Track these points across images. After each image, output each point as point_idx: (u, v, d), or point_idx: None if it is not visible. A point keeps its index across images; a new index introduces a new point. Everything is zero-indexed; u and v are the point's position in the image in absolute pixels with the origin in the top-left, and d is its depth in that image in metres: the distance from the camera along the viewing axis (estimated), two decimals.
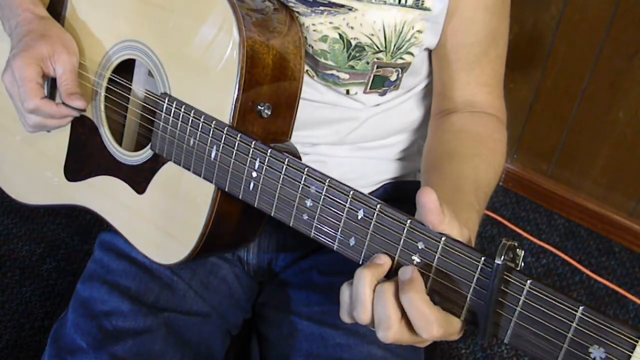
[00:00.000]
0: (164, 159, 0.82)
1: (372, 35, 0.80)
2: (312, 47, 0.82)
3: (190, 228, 0.80)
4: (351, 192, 0.64)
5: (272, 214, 0.71)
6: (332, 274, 0.93)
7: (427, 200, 0.58)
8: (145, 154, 0.85)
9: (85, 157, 0.93)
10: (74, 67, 0.87)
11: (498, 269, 0.54)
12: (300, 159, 0.75)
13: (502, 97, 0.91)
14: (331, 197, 0.65)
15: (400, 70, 0.85)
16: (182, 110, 0.78)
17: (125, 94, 0.90)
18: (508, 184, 2.11)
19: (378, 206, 0.62)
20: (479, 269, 0.57)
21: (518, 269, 0.56)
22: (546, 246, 1.93)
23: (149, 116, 0.85)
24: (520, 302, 0.55)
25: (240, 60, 0.73)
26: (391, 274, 0.61)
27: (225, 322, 0.96)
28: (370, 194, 0.75)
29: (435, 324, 0.57)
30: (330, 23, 0.80)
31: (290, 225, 0.70)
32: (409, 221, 0.60)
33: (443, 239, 0.58)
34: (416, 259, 0.60)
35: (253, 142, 0.72)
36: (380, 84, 0.86)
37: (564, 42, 1.83)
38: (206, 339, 0.93)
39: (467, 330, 0.61)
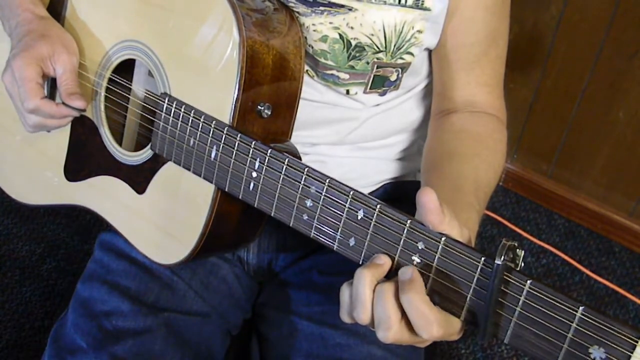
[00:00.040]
0: (164, 159, 0.82)
1: (372, 35, 0.80)
2: (312, 47, 0.82)
3: (190, 228, 0.80)
4: (351, 192, 0.64)
5: (272, 214, 0.71)
6: (332, 274, 0.93)
7: (427, 200, 0.58)
8: (145, 154, 0.85)
9: (85, 157, 0.93)
10: (74, 67, 0.87)
11: (498, 269, 0.54)
12: (300, 159, 0.75)
13: (502, 97, 0.91)
14: (331, 197, 0.65)
15: (400, 70, 0.85)
16: (182, 110, 0.78)
17: (125, 94, 0.90)
18: (508, 184, 2.11)
19: (378, 206, 0.62)
20: (479, 269, 0.57)
21: (518, 269, 0.56)
22: (546, 246, 1.93)
23: (149, 116, 0.85)
24: (520, 302, 0.55)
25: (240, 60, 0.73)
26: (391, 274, 0.61)
27: (225, 322, 0.96)
28: (370, 194, 0.75)
29: (435, 324, 0.57)
30: (330, 23, 0.80)
31: (290, 225, 0.70)
32: (409, 221, 0.60)
33: (443, 239, 0.58)
34: (416, 259, 0.60)
35: (253, 142, 0.72)
36: (380, 84, 0.86)
37: (564, 42, 1.83)
38: (206, 339, 0.93)
39: (467, 330, 0.61)
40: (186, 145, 0.78)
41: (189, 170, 0.79)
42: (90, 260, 0.97)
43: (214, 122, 0.75)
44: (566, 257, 1.89)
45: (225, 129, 0.74)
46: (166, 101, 0.79)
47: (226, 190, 0.76)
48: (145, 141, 0.86)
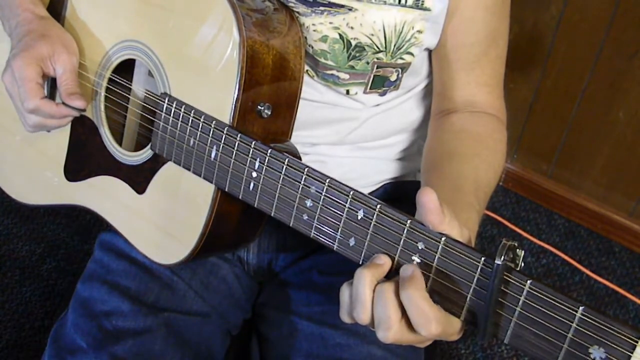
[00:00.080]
0: (164, 159, 0.82)
1: (372, 35, 0.80)
2: (312, 47, 0.82)
3: (190, 228, 0.80)
4: (351, 192, 0.64)
5: (272, 214, 0.71)
6: (332, 274, 0.93)
7: (427, 200, 0.58)
8: (145, 154, 0.85)
9: (85, 157, 0.93)
10: (74, 67, 0.87)
11: (498, 269, 0.54)
12: (300, 159, 0.75)
13: (502, 97, 0.91)
14: (331, 197, 0.65)
15: (400, 70, 0.85)
16: (182, 110, 0.78)
17: (125, 94, 0.90)
18: (508, 184, 2.11)
19: (378, 206, 0.62)
20: (479, 269, 0.57)
21: (518, 269, 0.56)
22: (546, 246, 1.93)
23: (149, 116, 0.85)
24: (520, 302, 0.55)
25: (240, 60, 0.73)
26: (391, 274, 0.61)
27: (225, 322, 0.96)
28: (370, 194, 0.75)
29: (434, 322, 0.57)
30: (330, 23, 0.80)
31: (290, 225, 0.70)
32: (409, 221, 0.60)
33: (443, 239, 0.58)
34: (416, 259, 0.60)
35: (253, 142, 0.72)
36: (380, 84, 0.86)
37: (564, 42, 1.83)
38: (206, 339, 0.93)
39: (467, 330, 0.61)
40: (186, 145, 0.78)
41: (189, 170, 0.79)
42: (90, 260, 0.97)
43: (214, 122, 0.75)
44: (566, 257, 1.89)
45: (225, 129, 0.74)
46: (166, 101, 0.79)
47: (226, 190, 0.76)
48: (145, 141, 0.86)
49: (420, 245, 0.60)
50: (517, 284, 0.55)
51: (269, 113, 0.76)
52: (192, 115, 0.77)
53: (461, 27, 0.83)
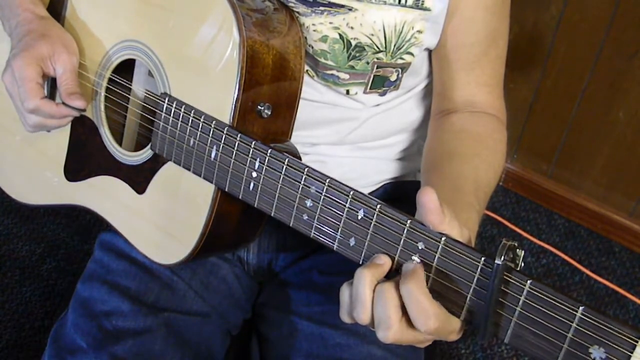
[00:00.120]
0: (164, 159, 0.82)
1: (372, 35, 0.80)
2: (312, 47, 0.82)
3: (190, 228, 0.80)
4: (351, 192, 0.64)
5: (272, 214, 0.71)
6: (332, 274, 0.93)
7: (428, 200, 0.58)
8: (145, 154, 0.85)
9: (85, 157, 0.93)
10: (74, 67, 0.87)
11: (498, 269, 0.54)
12: (300, 159, 0.75)
13: (502, 97, 0.91)
14: (331, 197, 0.65)
15: (400, 70, 0.85)
16: (182, 110, 0.78)
17: (125, 94, 0.90)
18: (508, 184, 2.11)
19: (378, 206, 0.62)
20: (479, 269, 0.57)
21: (518, 269, 0.56)
22: (546, 246, 1.93)
23: (149, 116, 0.85)
24: (520, 302, 0.55)
25: (240, 60, 0.73)
26: (391, 274, 0.61)
27: (225, 322, 0.96)
28: (370, 194, 0.75)
29: (432, 317, 0.57)
30: (330, 23, 0.80)
31: (290, 225, 0.70)
32: (409, 221, 0.60)
33: (443, 239, 0.58)
34: (416, 259, 0.60)
35: (253, 142, 0.72)
36: (380, 84, 0.86)
37: (564, 42, 1.83)
38: (206, 339, 0.93)
39: (467, 330, 0.61)
40: (186, 145, 0.78)
41: (189, 170, 0.79)
42: (90, 260, 0.97)
43: (214, 122, 0.75)
44: (566, 257, 1.89)
45: (225, 129, 0.74)
46: (166, 101, 0.79)
47: (226, 190, 0.76)
48: (145, 141, 0.86)
49: (420, 245, 0.60)
50: (517, 284, 0.55)
51: (269, 113, 0.76)
52: (192, 115, 0.77)
53: (461, 27, 0.83)
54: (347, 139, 0.91)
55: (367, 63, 0.83)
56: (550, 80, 1.90)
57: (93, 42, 0.90)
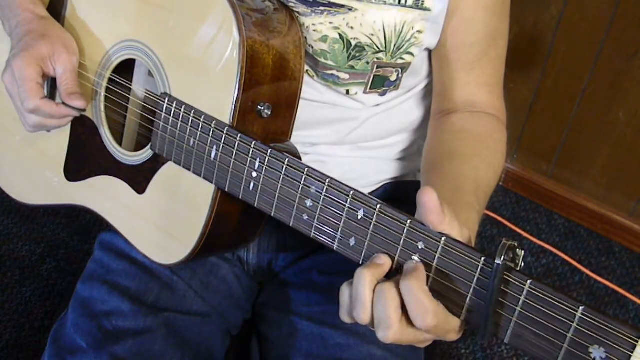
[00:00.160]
0: (164, 159, 0.82)
1: (372, 35, 0.80)
2: (312, 47, 0.82)
3: (191, 228, 0.80)
4: (351, 192, 0.64)
5: (272, 214, 0.71)
6: (332, 274, 0.93)
7: (428, 199, 0.58)
8: (145, 154, 0.85)
9: (85, 157, 0.93)
10: (74, 67, 0.87)
11: (498, 269, 0.54)
12: (300, 159, 0.75)
13: (502, 97, 0.91)
14: (331, 197, 0.65)
15: (400, 70, 0.85)
16: (182, 110, 0.78)
17: (125, 94, 0.90)
18: (508, 184, 2.11)
19: (378, 206, 0.62)
20: (479, 269, 0.57)
21: (518, 269, 0.56)
22: (546, 246, 1.93)
23: (149, 116, 0.85)
24: (520, 302, 0.55)
25: (240, 60, 0.73)
26: (391, 274, 0.61)
27: (225, 322, 0.96)
28: (370, 194, 0.75)
29: (431, 314, 0.57)
30: (330, 23, 0.80)
31: (290, 225, 0.70)
32: (409, 221, 0.60)
33: (443, 239, 0.58)
34: (416, 259, 0.60)
35: (253, 142, 0.72)
36: (380, 84, 0.86)
37: (564, 42, 1.83)
38: (206, 339, 0.93)
39: (467, 330, 0.61)
40: (186, 145, 0.78)
41: (189, 170, 0.79)
42: (90, 260, 0.97)
43: (214, 122, 0.75)
44: (566, 257, 1.89)
45: (225, 129, 0.74)
46: (166, 101, 0.79)
47: (226, 190, 0.76)
48: (145, 141, 0.86)
49: (421, 245, 0.60)
50: (517, 283, 0.55)
51: (269, 113, 0.76)
52: (192, 115, 0.77)
53: (461, 27, 0.83)
54: (347, 139, 0.91)
55: (367, 63, 0.83)
56: (550, 80, 1.90)
57: (93, 42, 0.90)
